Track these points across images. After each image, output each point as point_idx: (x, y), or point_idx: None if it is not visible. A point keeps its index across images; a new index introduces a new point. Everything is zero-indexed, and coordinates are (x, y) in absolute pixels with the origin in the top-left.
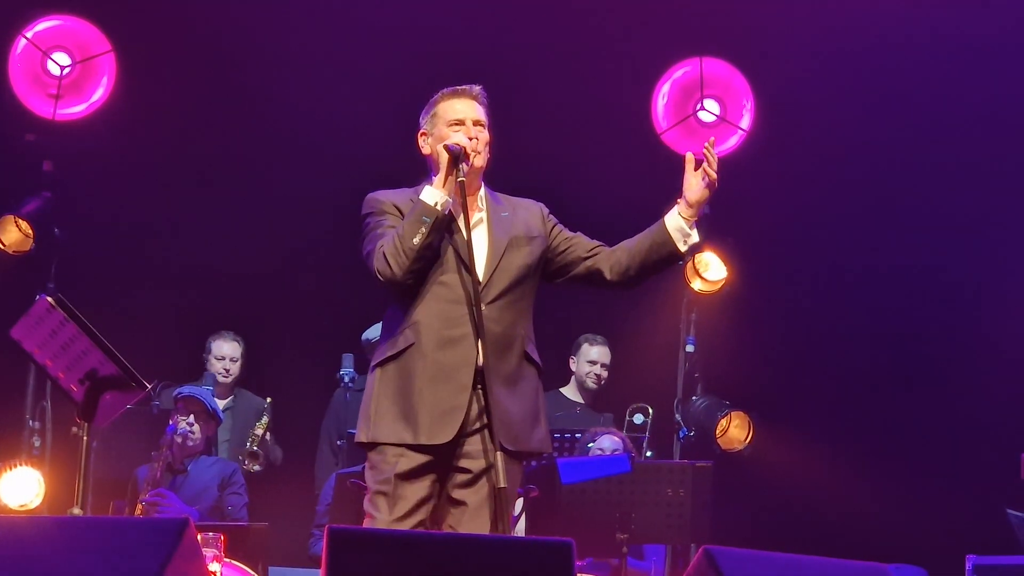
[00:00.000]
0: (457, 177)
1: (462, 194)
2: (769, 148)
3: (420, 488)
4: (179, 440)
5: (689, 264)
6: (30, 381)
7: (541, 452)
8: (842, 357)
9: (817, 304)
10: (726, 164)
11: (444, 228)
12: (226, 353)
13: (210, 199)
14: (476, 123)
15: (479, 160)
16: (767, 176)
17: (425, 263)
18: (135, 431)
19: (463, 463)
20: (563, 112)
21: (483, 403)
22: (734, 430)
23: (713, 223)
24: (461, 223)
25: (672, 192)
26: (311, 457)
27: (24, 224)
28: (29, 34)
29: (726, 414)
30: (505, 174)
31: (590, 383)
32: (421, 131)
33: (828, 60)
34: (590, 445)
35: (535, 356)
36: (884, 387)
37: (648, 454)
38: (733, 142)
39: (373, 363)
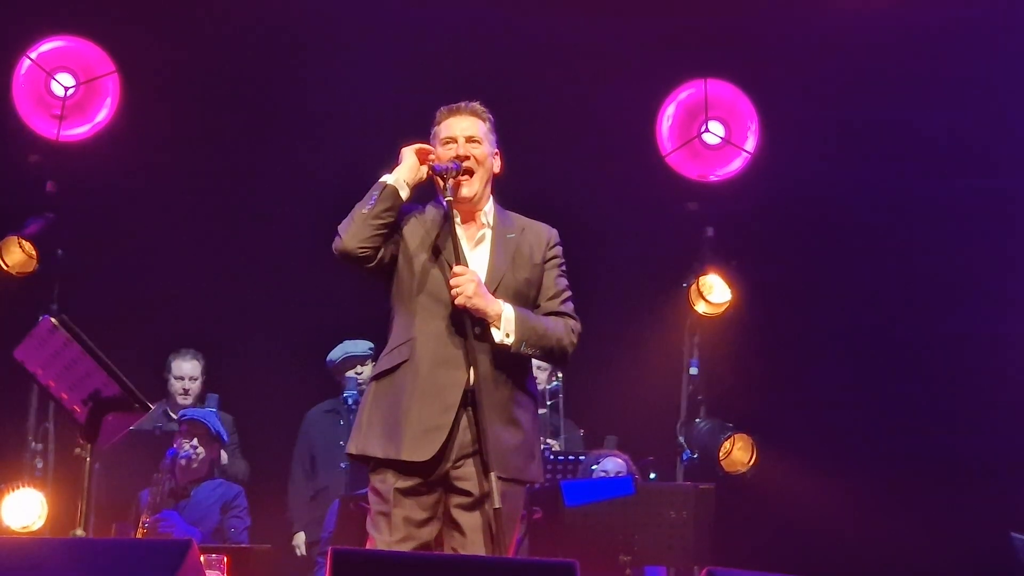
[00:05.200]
0: (445, 196)
1: (450, 216)
2: (773, 170)
3: (421, 510)
4: (183, 463)
5: (693, 287)
6: (33, 402)
7: (533, 482)
8: (846, 380)
9: (821, 327)
10: (731, 187)
11: (396, 201)
12: (185, 372)
13: (213, 218)
14: (469, 139)
15: (467, 187)
16: (771, 198)
17: (379, 237)
18: (137, 453)
19: (463, 485)
20: (568, 133)
21: (474, 427)
22: (737, 452)
23: (717, 246)
24: (463, 242)
25: (674, 213)
26: (282, 475)
27: (27, 245)
28: (33, 55)
29: (729, 436)
30: (510, 194)
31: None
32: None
33: (833, 82)
34: (594, 468)
35: (532, 387)
36: (888, 410)
37: (652, 476)
38: (738, 164)
39: (371, 376)
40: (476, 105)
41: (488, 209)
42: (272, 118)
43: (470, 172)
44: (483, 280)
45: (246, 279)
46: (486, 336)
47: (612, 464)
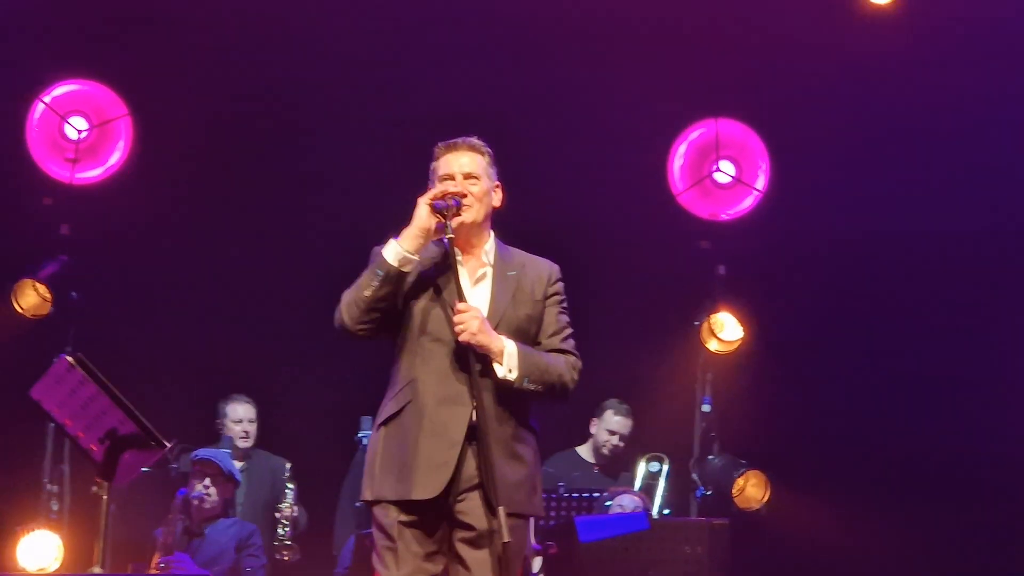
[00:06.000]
0: (446, 233)
1: (452, 252)
2: (784, 209)
3: (425, 543)
4: (195, 503)
5: (705, 325)
6: (48, 445)
7: (536, 516)
8: (858, 415)
9: (832, 363)
10: (742, 225)
11: (399, 283)
12: (242, 416)
13: (226, 261)
14: (467, 176)
15: (468, 215)
16: (782, 237)
17: (380, 316)
18: (153, 494)
19: (466, 519)
20: (580, 173)
21: (478, 461)
22: (751, 489)
23: (728, 284)
24: (464, 280)
25: (686, 252)
26: (330, 518)
27: (42, 288)
28: (47, 99)
29: (742, 473)
30: (521, 234)
31: (605, 451)
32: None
33: (842, 121)
34: (608, 503)
35: (534, 422)
36: (901, 445)
37: (666, 512)
38: (748, 203)
39: (376, 421)
40: (474, 140)
41: (489, 248)
42: (285, 159)
43: (466, 209)
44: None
45: (263, 320)
46: (488, 372)
47: (628, 500)
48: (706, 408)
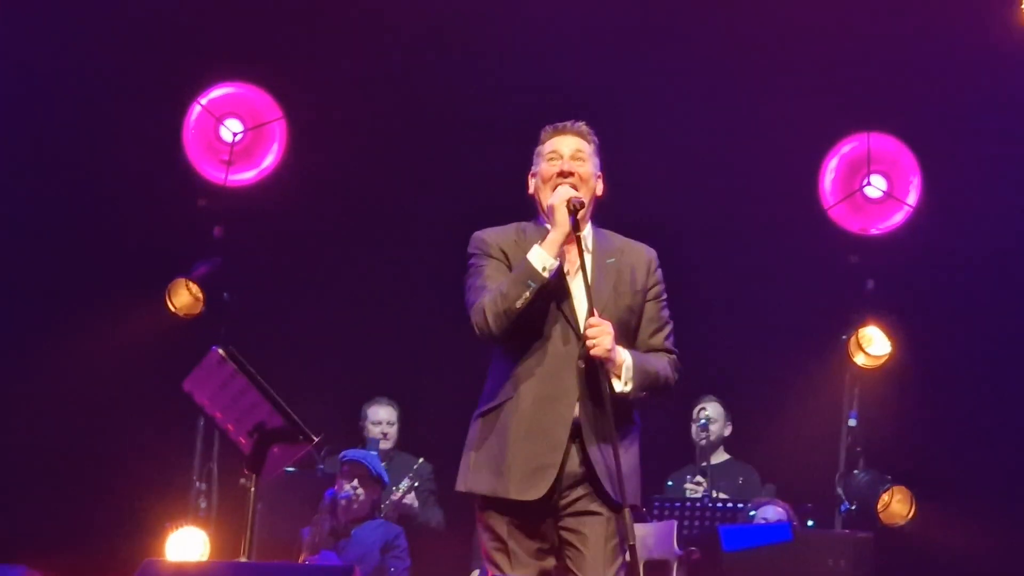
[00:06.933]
0: (575, 230)
1: (579, 247)
2: (936, 224)
3: (534, 541)
4: (343, 503)
5: (852, 339)
6: (198, 445)
7: (636, 507)
8: (1008, 433)
9: (981, 380)
10: (892, 240)
11: (544, 287)
12: (382, 418)
13: (376, 265)
14: (574, 156)
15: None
16: (933, 252)
17: (524, 322)
18: (299, 494)
19: (574, 517)
20: (731, 185)
21: (582, 458)
22: (896, 505)
23: (877, 298)
24: (569, 275)
25: (835, 266)
26: (472, 518)
27: (195, 287)
28: (204, 101)
29: (888, 489)
30: (669, 244)
31: (702, 442)
32: (531, 171)
33: (996, 136)
34: (752, 513)
35: (636, 415)
36: None
37: (809, 523)
38: (899, 218)
39: (476, 412)
40: (582, 125)
41: (587, 233)
42: (438, 161)
43: (575, 189)
44: (584, 312)
45: (416, 325)
46: (599, 379)
47: (772, 512)
48: (852, 422)
